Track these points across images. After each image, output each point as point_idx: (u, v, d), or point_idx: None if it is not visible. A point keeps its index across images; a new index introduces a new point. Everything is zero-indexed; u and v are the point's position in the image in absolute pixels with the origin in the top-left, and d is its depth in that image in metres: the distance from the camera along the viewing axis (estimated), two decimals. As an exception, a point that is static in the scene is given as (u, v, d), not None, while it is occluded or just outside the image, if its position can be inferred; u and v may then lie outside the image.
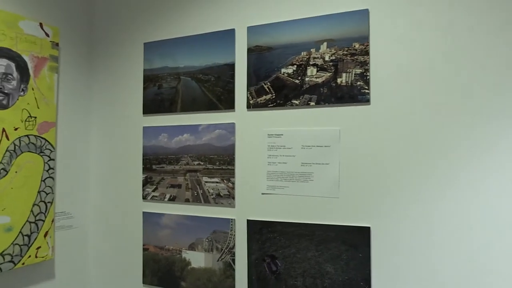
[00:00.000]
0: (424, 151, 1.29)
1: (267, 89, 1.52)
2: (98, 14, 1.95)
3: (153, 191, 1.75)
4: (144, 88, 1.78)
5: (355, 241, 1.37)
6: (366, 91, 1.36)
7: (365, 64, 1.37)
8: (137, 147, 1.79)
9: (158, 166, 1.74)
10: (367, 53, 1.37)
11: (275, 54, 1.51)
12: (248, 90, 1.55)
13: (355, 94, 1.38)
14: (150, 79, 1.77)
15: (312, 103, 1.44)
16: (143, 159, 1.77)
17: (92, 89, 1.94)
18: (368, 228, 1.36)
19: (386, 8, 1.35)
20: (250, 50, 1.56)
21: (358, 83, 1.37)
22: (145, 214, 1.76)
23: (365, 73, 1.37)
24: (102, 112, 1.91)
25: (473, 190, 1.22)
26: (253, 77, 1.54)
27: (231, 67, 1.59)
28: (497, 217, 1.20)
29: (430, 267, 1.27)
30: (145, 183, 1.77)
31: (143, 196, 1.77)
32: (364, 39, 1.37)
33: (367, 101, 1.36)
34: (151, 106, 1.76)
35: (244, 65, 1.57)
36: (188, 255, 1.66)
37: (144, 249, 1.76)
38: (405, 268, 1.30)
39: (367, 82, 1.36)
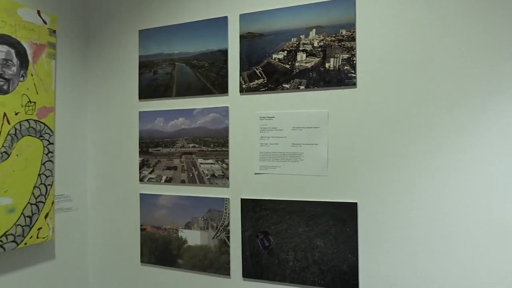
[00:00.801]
0: (407, 131, 1.38)
1: (259, 74, 1.59)
2: (94, 2, 1.99)
3: (150, 173, 1.82)
4: (140, 74, 1.84)
5: (343, 216, 1.46)
6: (353, 75, 1.44)
7: (351, 50, 1.45)
8: (133, 131, 1.86)
9: (154, 149, 1.81)
10: (353, 39, 1.45)
11: (267, 41, 1.58)
12: (240, 75, 1.62)
13: (342, 78, 1.46)
14: (145, 65, 1.83)
15: (302, 87, 1.52)
16: (139, 143, 1.84)
17: (88, 75, 2.00)
18: (355, 204, 1.45)
19: (371, -4, 1.43)
20: (242, 37, 1.62)
21: (345, 67, 1.45)
22: (142, 196, 1.83)
23: (351, 58, 1.45)
24: (99, 97, 1.97)
25: (452, 168, 1.32)
26: (246, 63, 1.61)
27: (224, 53, 1.66)
28: (476, 193, 1.30)
29: (412, 238, 1.37)
30: (142, 165, 1.84)
31: (140, 178, 1.84)
32: (351, 26, 1.45)
33: (353, 84, 1.44)
34: (147, 91, 1.82)
35: (237, 51, 1.63)
36: (184, 233, 1.74)
37: (142, 229, 1.83)
38: (389, 240, 1.40)
39: (353, 67, 1.44)
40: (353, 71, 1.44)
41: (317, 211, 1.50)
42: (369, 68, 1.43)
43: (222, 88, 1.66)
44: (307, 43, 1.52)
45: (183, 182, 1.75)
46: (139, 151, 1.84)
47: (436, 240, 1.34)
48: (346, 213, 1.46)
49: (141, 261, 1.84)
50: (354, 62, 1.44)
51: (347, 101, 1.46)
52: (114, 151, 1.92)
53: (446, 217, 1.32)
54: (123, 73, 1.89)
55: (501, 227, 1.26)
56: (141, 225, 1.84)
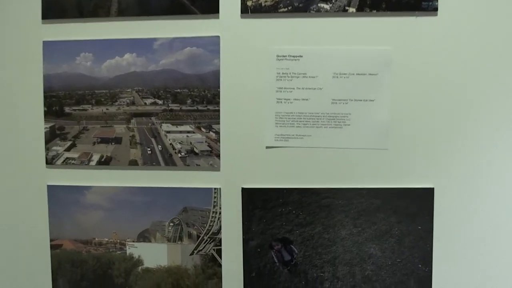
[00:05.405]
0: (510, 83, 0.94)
1: (276, -15, 0.97)
2: None
3: (67, 150, 1.04)
4: (44, -26, 1.03)
5: (412, 209, 0.97)
6: (434, -6, 0.94)
7: (432, -46, 0.94)
8: (32, 76, 1.04)
9: (75, 108, 1.04)
10: None
11: None
12: (243, -16, 0.98)
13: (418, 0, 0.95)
14: (55, -43, 1.02)
15: (351, 9, 0.95)
16: (45, 97, 1.04)
17: None
18: (431, 190, 0.97)
19: None
20: None
21: (422, -19, 0.94)
22: (52, 189, 1.05)
23: (432, -32, 0.94)
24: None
25: None
26: (252, -36, 0.97)
27: None
28: None
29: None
30: (52, 137, 1.04)
31: (47, 159, 1.05)
32: None
33: (433, 9, 0.94)
34: (59, 5, 1.02)
35: None
36: (137, 250, 1.04)
37: (54, 247, 1.06)
38: (478, 243, 0.97)
39: (434, -18, 0.94)
40: (434, -11, 0.94)
41: (371, 204, 0.98)
42: (459, -14, 0.94)
43: (207, 6, 0.98)
44: None
45: (133, 163, 1.03)
46: (45, 112, 1.05)
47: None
48: (417, 205, 0.97)
49: (51, 299, 1.08)
50: (436, -26, 0.94)
51: (423, 34, 0.94)
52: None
53: None
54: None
55: None
56: (51, 240, 1.06)
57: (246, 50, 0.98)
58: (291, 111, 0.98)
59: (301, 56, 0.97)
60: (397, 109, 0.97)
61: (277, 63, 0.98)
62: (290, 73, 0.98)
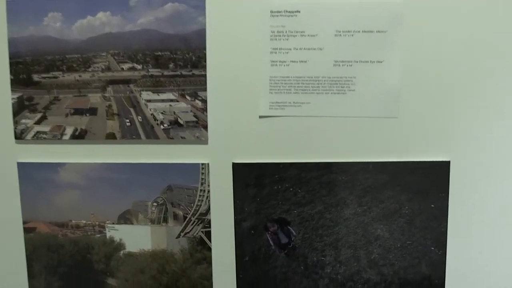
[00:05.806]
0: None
1: None
2: None
3: (38, 123, 0.93)
4: None
5: (425, 185, 0.86)
6: None
7: None
8: (-5, 39, 0.93)
9: (45, 76, 0.92)
10: None
11: None
12: None
13: None
14: None
15: (356, -45, 0.83)
16: (10, 64, 0.92)
17: None
18: (447, 163, 0.86)
19: None
20: None
21: None
22: (23, 167, 0.95)
23: None
24: None
25: None
26: None
27: None
28: None
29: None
30: (20, 109, 0.93)
31: (16, 134, 0.94)
32: None
33: (453, -49, 0.81)
34: (21, -42, 0.90)
35: None
36: (118, 232, 0.94)
37: (27, 230, 0.96)
38: (498, 223, 0.87)
39: None
40: None
41: (378, 180, 0.87)
42: None
43: (191, -47, 0.86)
44: None
45: (111, 137, 0.92)
46: (12, 81, 0.93)
47: None
48: (430, 180, 0.86)
49: (31, 286, 0.98)
50: None
51: (440, -17, 0.83)
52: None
53: None
54: None
55: None
56: (24, 223, 0.96)
57: (235, 5, 0.86)
58: (288, 75, 0.86)
59: (299, 12, 0.84)
60: (408, 72, 0.84)
61: (271, 20, 0.85)
62: (286, 32, 0.85)
